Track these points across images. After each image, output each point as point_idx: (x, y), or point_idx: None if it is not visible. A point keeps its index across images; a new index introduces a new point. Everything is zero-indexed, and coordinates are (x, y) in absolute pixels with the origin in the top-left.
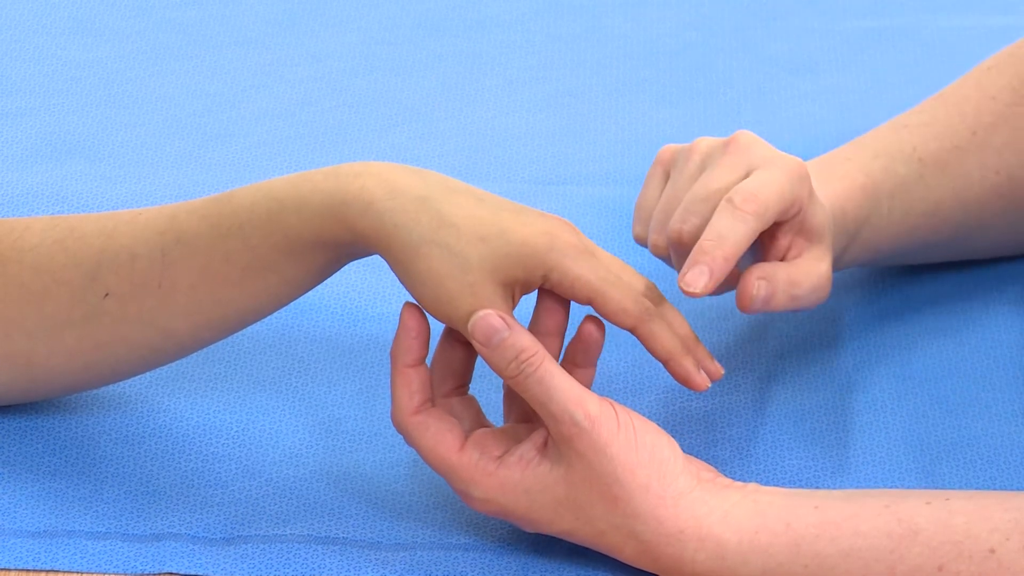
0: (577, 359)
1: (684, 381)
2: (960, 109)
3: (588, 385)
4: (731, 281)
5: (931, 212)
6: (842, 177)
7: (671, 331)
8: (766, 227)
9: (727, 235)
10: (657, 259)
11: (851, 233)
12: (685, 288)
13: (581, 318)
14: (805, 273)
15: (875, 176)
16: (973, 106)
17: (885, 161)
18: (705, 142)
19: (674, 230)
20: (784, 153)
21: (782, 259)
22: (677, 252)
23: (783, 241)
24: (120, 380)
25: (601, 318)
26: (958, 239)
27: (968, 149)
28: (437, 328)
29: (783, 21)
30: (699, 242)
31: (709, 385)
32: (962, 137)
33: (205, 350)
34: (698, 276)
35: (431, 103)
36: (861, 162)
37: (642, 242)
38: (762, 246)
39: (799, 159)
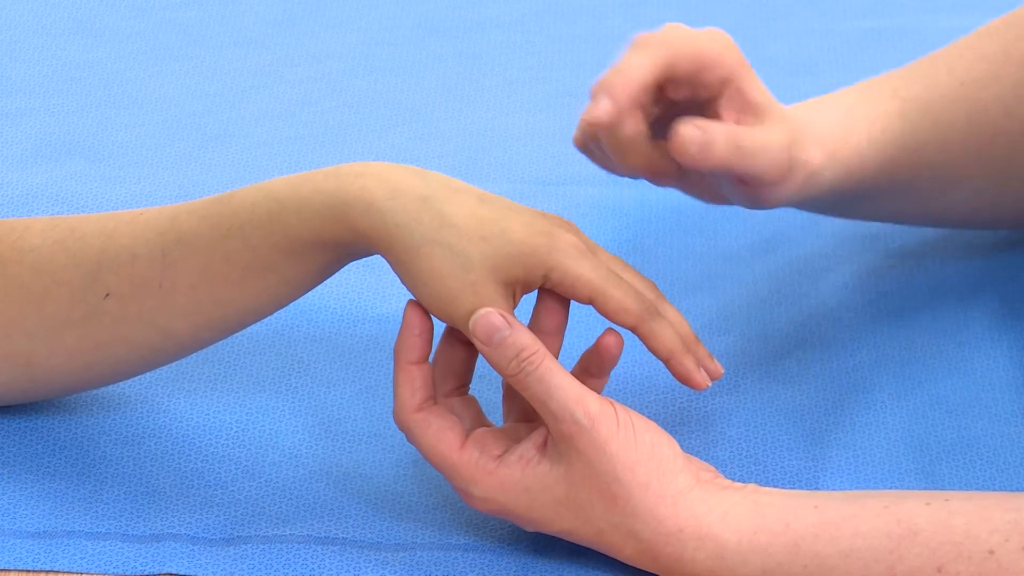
0: (591, 368)
1: (685, 380)
2: (949, 65)
3: (598, 393)
4: (667, 168)
5: (912, 150)
6: (818, 102)
7: (672, 330)
8: (678, 65)
9: (628, 66)
10: (657, 260)
11: (825, 145)
12: (587, 118)
13: (581, 318)
14: (751, 131)
15: (854, 106)
16: (964, 63)
17: (865, 96)
18: (671, 26)
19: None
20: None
21: None
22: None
23: (727, 117)
24: (120, 380)
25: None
26: (936, 190)
27: (954, 99)
28: (440, 326)
29: (783, 21)
30: (601, 78)
31: (709, 384)
32: (949, 87)
33: (205, 350)
34: (598, 104)
35: (431, 103)
36: (839, 96)
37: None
38: None
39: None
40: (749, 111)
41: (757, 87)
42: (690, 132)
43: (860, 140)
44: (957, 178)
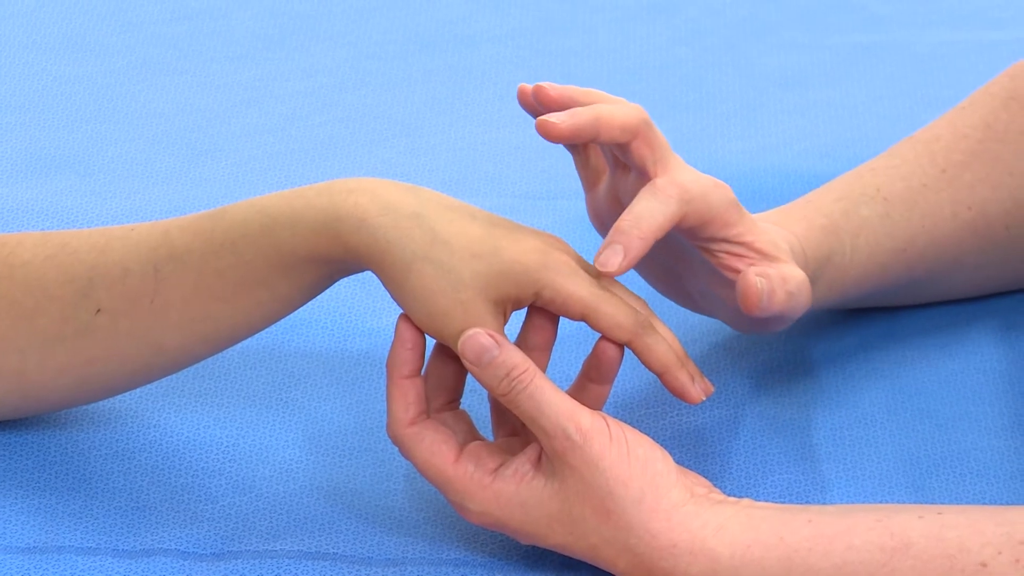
0: (592, 375)
1: (680, 393)
2: (930, 148)
3: (601, 403)
4: (674, 287)
5: (901, 249)
6: (800, 219)
7: (666, 344)
8: (687, 217)
9: (645, 215)
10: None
11: (813, 272)
12: (600, 268)
13: (577, 331)
14: (790, 271)
15: (835, 217)
16: (944, 145)
17: (847, 204)
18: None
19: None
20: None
21: None
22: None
23: (742, 265)
24: (112, 395)
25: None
26: (935, 277)
27: (937, 187)
28: (432, 340)
29: (773, 36)
30: (617, 222)
31: (703, 398)
32: (930, 176)
33: (196, 365)
34: (612, 255)
35: (421, 118)
36: (821, 204)
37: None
38: (729, 279)
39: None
40: (761, 255)
41: (760, 235)
42: (762, 284)
43: (844, 258)
44: (954, 262)
